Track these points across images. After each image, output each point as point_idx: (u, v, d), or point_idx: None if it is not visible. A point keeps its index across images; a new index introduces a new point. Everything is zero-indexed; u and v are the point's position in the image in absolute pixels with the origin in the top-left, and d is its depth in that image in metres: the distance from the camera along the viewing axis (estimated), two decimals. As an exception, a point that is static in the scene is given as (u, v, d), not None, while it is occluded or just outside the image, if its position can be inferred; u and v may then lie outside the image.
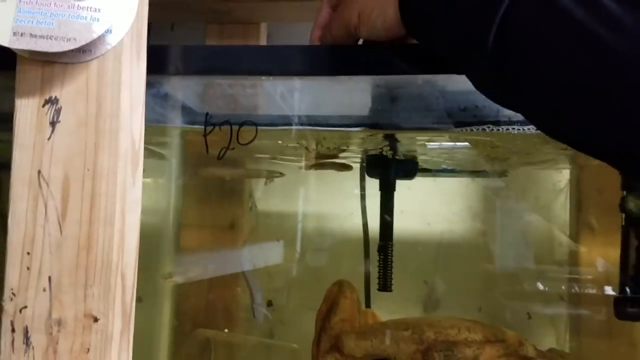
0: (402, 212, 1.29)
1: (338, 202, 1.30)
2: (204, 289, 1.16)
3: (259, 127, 0.67)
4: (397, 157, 0.93)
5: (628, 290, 0.87)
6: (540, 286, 1.19)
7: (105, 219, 0.60)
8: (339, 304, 0.79)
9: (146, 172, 1.08)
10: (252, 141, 0.66)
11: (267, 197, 1.35)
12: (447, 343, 0.70)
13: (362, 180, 1.04)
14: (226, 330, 1.05)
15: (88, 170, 0.61)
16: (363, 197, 1.05)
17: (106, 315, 0.59)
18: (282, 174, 1.24)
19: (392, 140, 0.81)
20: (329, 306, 0.81)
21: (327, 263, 1.28)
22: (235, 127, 0.68)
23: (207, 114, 0.68)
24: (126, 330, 0.61)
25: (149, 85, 0.74)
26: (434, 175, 1.11)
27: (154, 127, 0.84)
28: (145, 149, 0.84)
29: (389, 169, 0.93)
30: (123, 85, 0.62)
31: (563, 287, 1.16)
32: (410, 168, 0.95)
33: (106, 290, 0.59)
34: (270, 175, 1.22)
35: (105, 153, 0.61)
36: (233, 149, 0.67)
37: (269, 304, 1.22)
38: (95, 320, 0.59)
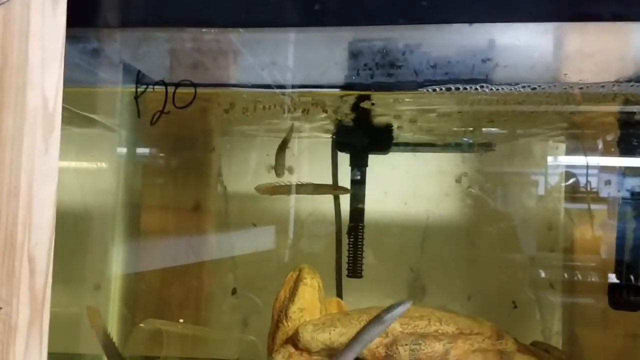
0: (385, 193, 1.23)
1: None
2: (159, 275, 1.09)
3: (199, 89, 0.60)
4: (368, 128, 0.86)
5: (624, 277, 0.81)
6: (532, 273, 1.13)
7: (8, 191, 0.53)
8: (298, 292, 0.72)
9: (91, 146, 0.99)
10: (190, 104, 0.59)
11: (237, 177, 1.28)
12: (415, 336, 0.63)
13: (334, 156, 0.97)
14: (181, 321, 0.99)
15: (-11, 134, 0.54)
16: (335, 174, 0.98)
17: (9, 302, 0.52)
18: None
19: (359, 107, 0.74)
20: (287, 294, 0.75)
21: (304, 248, 1.22)
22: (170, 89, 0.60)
23: (138, 72, 0.60)
24: (37, 320, 0.55)
25: (77, 39, 0.67)
26: (413, 150, 1.04)
27: (88, 90, 0.77)
28: (84, 117, 0.76)
29: (358, 141, 0.86)
30: (32, 35, 0.55)
31: (555, 274, 1.09)
32: (383, 140, 0.87)
33: (9, 274, 0.53)
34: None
35: (10, 114, 0.54)
36: (168, 112, 0.60)
37: (233, 292, 1.16)
38: (-2, 308, 0.52)
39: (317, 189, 0.94)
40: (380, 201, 1.21)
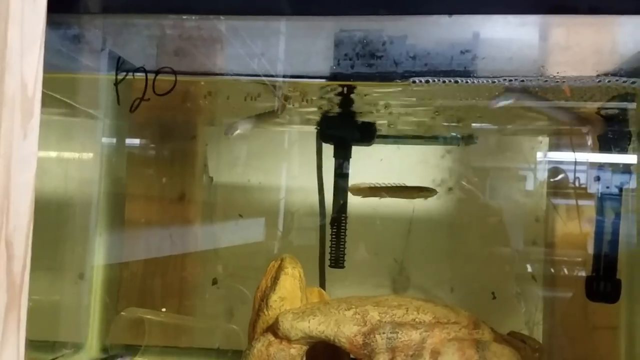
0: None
1: (305, 173, 1.24)
2: (143, 265, 1.09)
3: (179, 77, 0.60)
4: (352, 120, 0.86)
5: (602, 269, 0.82)
6: (515, 265, 1.14)
7: (-15, 176, 0.53)
8: (279, 281, 0.73)
9: (74, 134, 0.99)
10: (170, 91, 0.59)
11: (224, 167, 1.28)
12: (393, 324, 0.64)
13: (319, 147, 0.98)
14: (164, 310, 1.00)
15: (-33, 119, 0.54)
16: (320, 165, 0.98)
17: (-14, 287, 0.53)
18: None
19: (345, 99, 0.75)
20: (268, 283, 0.75)
21: (291, 240, 1.22)
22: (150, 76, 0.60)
23: (119, 58, 0.60)
24: (15, 306, 0.55)
25: (61, 25, 0.67)
26: (395, 142, 1.04)
27: (71, 77, 0.77)
28: (66, 104, 0.76)
29: (342, 132, 0.87)
30: (11, 19, 0.55)
31: (537, 266, 1.11)
32: (367, 132, 0.88)
33: (-14, 259, 0.53)
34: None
35: (-12, 99, 0.54)
36: (148, 99, 0.60)
37: (214, 282, 1.16)
38: (-27, 293, 0.52)
39: (404, 192, 0.94)
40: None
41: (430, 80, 0.56)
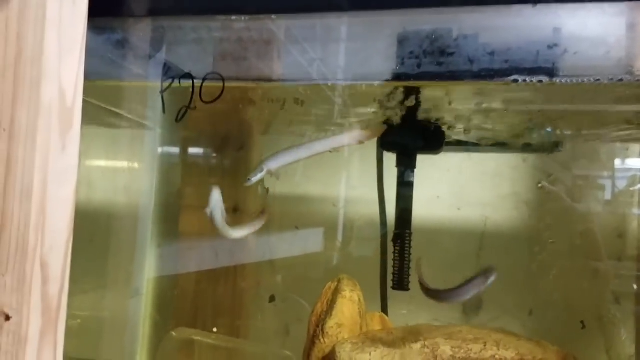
0: (438, 198, 1.17)
1: (365, 183, 1.18)
2: (196, 280, 1.07)
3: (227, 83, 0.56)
4: (417, 125, 0.79)
5: None
6: (602, 285, 1.04)
7: (21, 192, 0.50)
8: (336, 305, 0.67)
9: (127, 145, 0.97)
10: (218, 98, 0.55)
11: (280, 177, 1.24)
12: (467, 361, 0.57)
13: (380, 156, 0.91)
14: (215, 330, 0.96)
15: (4, 130, 0.51)
16: (380, 177, 0.92)
17: (19, 311, 0.50)
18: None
19: (407, 101, 0.68)
20: (324, 307, 0.70)
21: (349, 254, 1.17)
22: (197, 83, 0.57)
23: (165, 64, 0.57)
24: (50, 331, 0.52)
25: (111, 30, 0.64)
26: (467, 150, 0.97)
27: (124, 85, 0.74)
28: (116, 115, 0.74)
29: (406, 140, 0.80)
30: (49, 23, 0.52)
31: (630, 287, 1.00)
32: (434, 139, 0.81)
33: (20, 281, 0.50)
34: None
35: (25, 108, 0.51)
36: (194, 108, 0.56)
37: (272, 299, 1.12)
38: (7, 318, 0.50)
39: None
40: (432, 206, 1.15)
41: (528, 80, 0.49)
